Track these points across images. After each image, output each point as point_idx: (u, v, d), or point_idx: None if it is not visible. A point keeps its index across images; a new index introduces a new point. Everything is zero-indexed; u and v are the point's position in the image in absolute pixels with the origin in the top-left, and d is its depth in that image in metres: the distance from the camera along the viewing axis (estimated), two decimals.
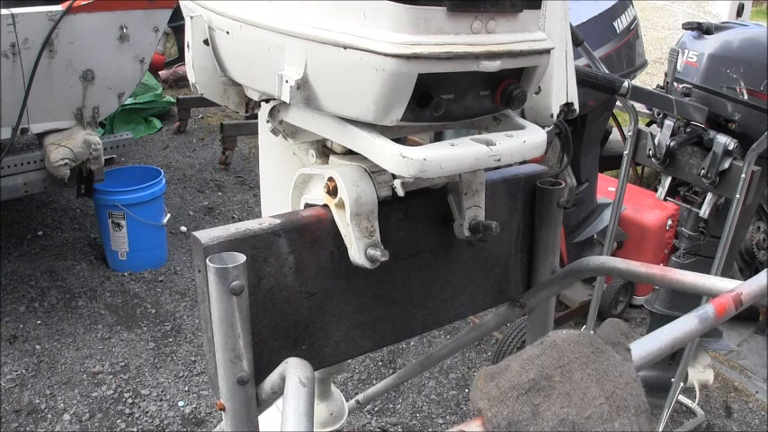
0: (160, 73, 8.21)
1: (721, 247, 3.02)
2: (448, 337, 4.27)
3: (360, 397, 2.24)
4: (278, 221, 1.23)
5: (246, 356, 1.16)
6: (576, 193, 3.44)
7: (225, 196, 6.05)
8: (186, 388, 3.83)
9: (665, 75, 3.45)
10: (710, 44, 3.50)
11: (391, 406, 3.79)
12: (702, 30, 3.56)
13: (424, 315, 1.48)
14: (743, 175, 2.88)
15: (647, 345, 1.14)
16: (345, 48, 1.08)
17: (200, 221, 5.60)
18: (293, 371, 1.12)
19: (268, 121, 1.35)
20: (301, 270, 1.25)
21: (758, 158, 2.89)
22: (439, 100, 1.13)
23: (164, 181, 4.85)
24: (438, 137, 1.86)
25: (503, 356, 3.78)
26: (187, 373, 3.94)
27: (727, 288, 1.32)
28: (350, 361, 3.93)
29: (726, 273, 3.18)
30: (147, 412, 3.65)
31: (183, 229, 5.43)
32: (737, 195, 2.91)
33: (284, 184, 1.41)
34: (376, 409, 3.75)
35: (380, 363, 4.10)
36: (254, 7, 1.20)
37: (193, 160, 6.71)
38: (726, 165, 2.94)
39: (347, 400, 2.12)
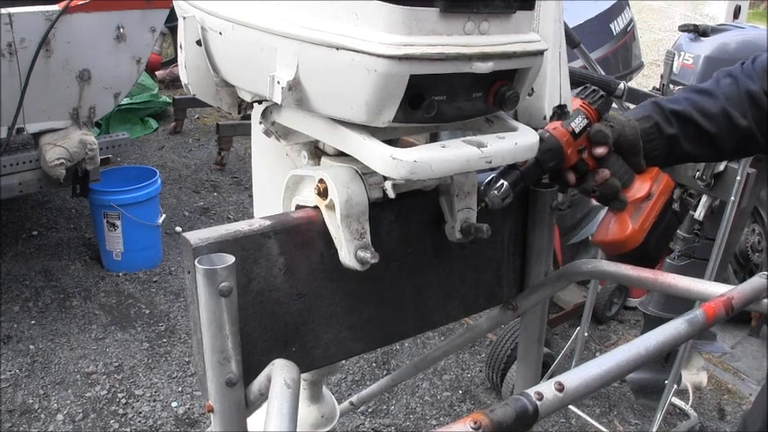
0: (157, 73, 8.21)
1: (716, 250, 3.02)
2: (442, 338, 4.27)
3: (353, 398, 2.24)
4: (268, 223, 1.22)
5: (235, 358, 1.15)
6: (572, 195, 3.45)
7: (220, 197, 6.04)
8: (180, 389, 3.83)
9: (661, 77, 3.45)
10: (707, 46, 3.51)
11: (385, 407, 3.78)
12: (699, 32, 3.57)
13: (415, 317, 1.47)
14: (738, 178, 2.88)
15: (636, 347, 1.14)
16: (337, 49, 1.07)
17: (196, 222, 5.59)
18: (279, 372, 1.12)
19: (261, 123, 1.35)
20: (291, 272, 1.25)
21: (753, 161, 2.89)
22: (431, 101, 1.13)
23: (159, 181, 4.84)
24: (433, 138, 1.86)
25: (497, 358, 3.78)
26: (181, 374, 3.93)
27: (719, 292, 1.32)
28: (344, 362, 3.93)
29: (720, 275, 3.18)
30: (140, 413, 3.65)
31: (179, 229, 5.42)
32: (732, 198, 2.91)
33: (277, 185, 1.41)
34: (370, 411, 3.75)
35: (374, 364, 4.09)
36: (247, 8, 1.20)
37: (189, 161, 6.70)
38: (721, 167, 2.94)
39: (341, 402, 2.12)
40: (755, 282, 1.38)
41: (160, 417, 3.64)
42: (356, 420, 3.66)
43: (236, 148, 6.76)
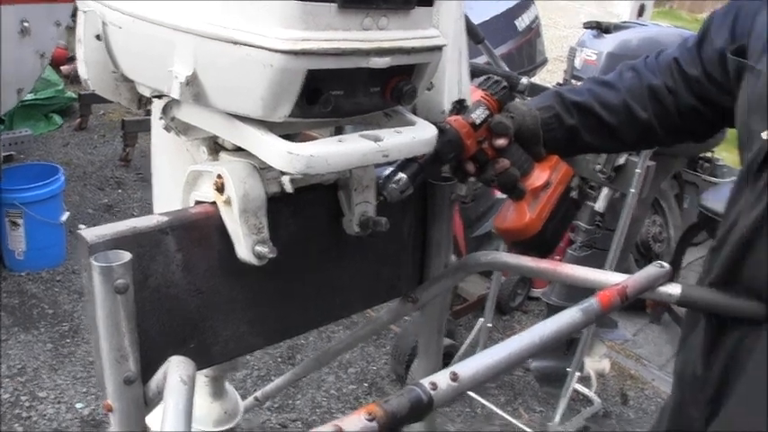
0: (62, 68, 8.01)
1: (616, 241, 3.10)
2: (347, 332, 4.28)
3: (258, 394, 2.22)
4: (165, 219, 1.21)
5: (133, 356, 1.14)
6: (475, 189, 3.48)
7: (125, 193, 5.95)
8: (84, 389, 3.76)
9: (565, 72, 3.52)
10: (609, 43, 3.59)
11: (291, 402, 3.78)
12: (602, 29, 3.64)
13: (314, 310, 1.48)
14: (638, 170, 2.95)
15: (531, 336, 1.17)
16: (234, 43, 1.07)
17: (100, 220, 5.48)
18: (175, 369, 1.11)
19: (161, 118, 1.34)
20: (189, 268, 1.24)
21: (654, 154, 2.97)
22: (328, 96, 1.14)
23: (63, 178, 4.73)
24: (338, 133, 1.87)
25: (401, 351, 3.82)
26: (85, 375, 3.85)
27: (615, 281, 1.36)
28: (248, 358, 3.92)
29: (621, 265, 3.26)
30: (44, 415, 3.56)
31: (83, 227, 5.28)
32: (632, 190, 2.98)
33: (177, 181, 1.40)
34: (276, 406, 3.74)
35: (279, 359, 4.09)
36: (147, 2, 1.19)
37: (94, 157, 6.57)
38: (621, 160, 3.01)
39: (247, 397, 2.10)
40: (650, 270, 1.43)
41: (65, 419, 3.56)
42: (262, 416, 3.65)
43: (142, 144, 6.64)
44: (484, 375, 1.09)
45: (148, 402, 1.21)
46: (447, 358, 3.60)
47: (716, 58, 1.58)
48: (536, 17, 4.62)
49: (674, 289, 1.43)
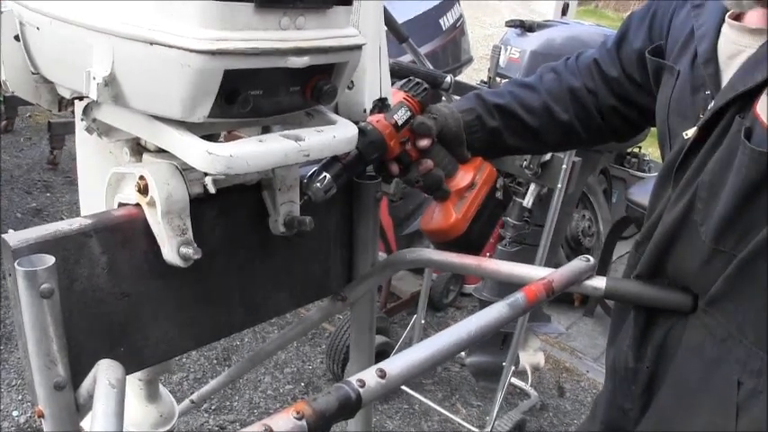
0: None
1: (545, 236, 3.14)
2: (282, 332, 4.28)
3: (194, 396, 2.21)
4: (89, 222, 1.20)
5: (62, 361, 1.13)
6: (403, 187, 3.49)
7: (53, 197, 5.86)
8: (20, 397, 3.70)
9: (489, 70, 3.55)
10: (533, 41, 3.63)
11: (228, 403, 3.77)
12: (525, 27, 3.68)
13: (243, 311, 1.48)
14: (564, 166, 2.99)
15: (458, 332, 1.18)
16: (151, 44, 1.07)
17: (29, 224, 5.35)
18: (103, 373, 1.11)
19: (82, 119, 1.33)
20: (115, 271, 1.23)
21: (579, 150, 3.01)
22: (246, 96, 1.14)
23: None
24: (267, 133, 1.86)
25: (336, 349, 3.83)
26: (20, 382, 3.79)
27: (540, 275, 1.38)
28: (184, 360, 3.89)
29: (551, 259, 3.31)
30: None
31: (11, 232, 5.20)
32: (559, 185, 3.02)
33: (103, 183, 1.39)
34: (213, 408, 3.72)
35: (215, 361, 4.07)
36: (64, 3, 1.17)
37: (21, 160, 6.46)
38: (547, 156, 3.04)
39: (184, 400, 2.09)
40: (575, 264, 1.45)
41: (1, 427, 3.51)
42: (200, 418, 3.63)
43: (69, 147, 6.52)
44: (411, 371, 1.10)
45: (80, 408, 1.20)
46: (383, 356, 3.62)
47: (635, 59, 1.61)
48: (460, 15, 4.66)
49: (599, 282, 1.46)
